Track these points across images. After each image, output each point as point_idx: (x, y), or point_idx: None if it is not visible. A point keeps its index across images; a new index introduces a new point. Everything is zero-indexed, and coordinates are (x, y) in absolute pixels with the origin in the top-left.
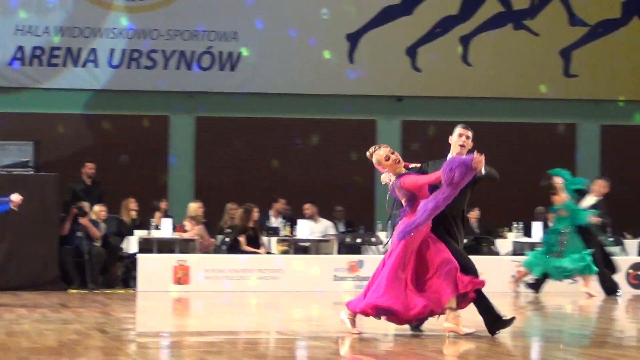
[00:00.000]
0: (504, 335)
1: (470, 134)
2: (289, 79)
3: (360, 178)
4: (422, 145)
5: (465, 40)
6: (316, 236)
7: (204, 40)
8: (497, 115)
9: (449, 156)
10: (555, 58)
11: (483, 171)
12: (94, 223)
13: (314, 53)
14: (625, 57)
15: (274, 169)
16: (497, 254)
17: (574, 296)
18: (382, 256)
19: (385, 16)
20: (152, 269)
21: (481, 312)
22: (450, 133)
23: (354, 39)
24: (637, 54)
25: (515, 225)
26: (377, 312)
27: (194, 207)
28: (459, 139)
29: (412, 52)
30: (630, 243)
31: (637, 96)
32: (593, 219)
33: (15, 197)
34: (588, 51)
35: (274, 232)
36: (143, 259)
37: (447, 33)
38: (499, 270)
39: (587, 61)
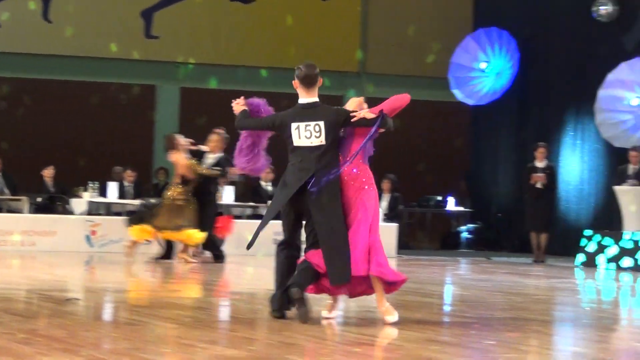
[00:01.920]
0: None
1: None
2: None
3: None
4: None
5: None
6: None
7: None
8: (77, 74)
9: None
10: (136, 19)
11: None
12: None
13: None
14: (206, 20)
15: None
16: (71, 213)
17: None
18: None
19: None
20: None
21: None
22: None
23: None
24: (217, 18)
25: (90, 185)
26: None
27: None
28: None
29: None
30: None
31: (212, 60)
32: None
33: None
34: (169, 13)
35: None
36: None
37: None
38: (73, 230)
39: (168, 23)
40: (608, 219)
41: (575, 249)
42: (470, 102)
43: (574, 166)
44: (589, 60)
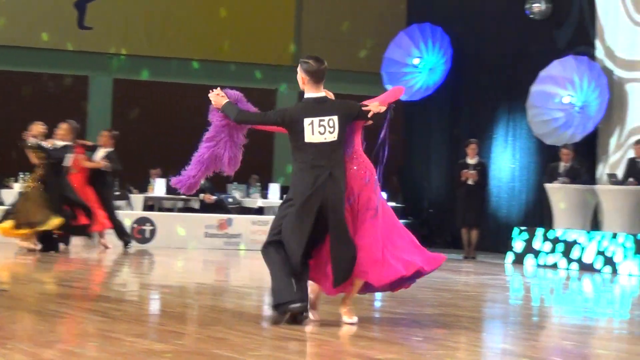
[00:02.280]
0: None
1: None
2: None
3: None
4: None
5: None
6: None
7: None
8: (8, 64)
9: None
10: (69, 9)
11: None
12: None
13: None
14: (139, 11)
15: None
16: (2, 204)
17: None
18: None
19: None
20: None
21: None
22: None
23: None
24: (150, 9)
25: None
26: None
27: None
28: None
29: None
30: (136, 198)
31: (145, 51)
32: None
33: None
34: (102, 4)
35: None
36: None
37: None
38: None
39: (102, 14)
40: (539, 216)
41: (506, 245)
42: (402, 97)
43: (506, 163)
44: (522, 58)
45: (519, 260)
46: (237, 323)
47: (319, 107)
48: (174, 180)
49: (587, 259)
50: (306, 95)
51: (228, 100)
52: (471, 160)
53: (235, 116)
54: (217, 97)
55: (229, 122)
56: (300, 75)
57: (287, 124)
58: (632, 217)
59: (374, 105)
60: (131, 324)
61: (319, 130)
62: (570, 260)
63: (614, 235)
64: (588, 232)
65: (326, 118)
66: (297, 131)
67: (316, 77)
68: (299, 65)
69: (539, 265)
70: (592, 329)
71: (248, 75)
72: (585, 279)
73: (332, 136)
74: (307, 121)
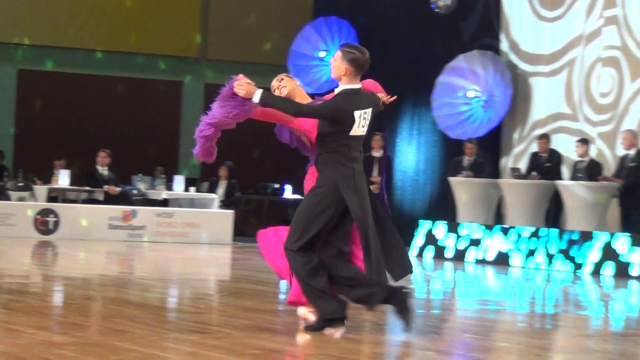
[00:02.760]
0: None
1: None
2: None
3: None
4: None
5: None
6: None
7: None
8: None
9: None
10: None
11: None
12: None
13: None
14: (43, 1)
15: None
16: None
17: None
18: None
19: None
20: None
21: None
22: None
23: None
24: None
25: None
26: None
27: None
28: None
29: None
30: (40, 189)
31: (49, 41)
32: None
33: None
34: None
35: None
36: None
37: None
38: None
39: (5, 3)
40: (442, 210)
41: (410, 238)
42: (309, 90)
43: (410, 156)
44: (427, 51)
45: (422, 253)
46: (139, 315)
47: (359, 99)
48: (195, 153)
49: (490, 253)
50: (344, 86)
51: (262, 89)
52: (376, 153)
53: (295, 109)
54: (249, 86)
55: (242, 110)
56: (342, 65)
57: (337, 117)
58: (534, 210)
59: (382, 95)
60: (32, 316)
61: (362, 123)
62: (472, 254)
63: (517, 229)
64: (491, 226)
65: (367, 110)
66: (346, 124)
67: (361, 68)
68: (341, 54)
69: (441, 258)
70: (493, 322)
71: (153, 66)
72: (488, 272)
73: (366, 129)
74: (357, 114)
